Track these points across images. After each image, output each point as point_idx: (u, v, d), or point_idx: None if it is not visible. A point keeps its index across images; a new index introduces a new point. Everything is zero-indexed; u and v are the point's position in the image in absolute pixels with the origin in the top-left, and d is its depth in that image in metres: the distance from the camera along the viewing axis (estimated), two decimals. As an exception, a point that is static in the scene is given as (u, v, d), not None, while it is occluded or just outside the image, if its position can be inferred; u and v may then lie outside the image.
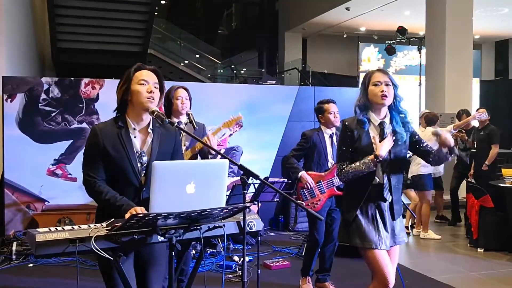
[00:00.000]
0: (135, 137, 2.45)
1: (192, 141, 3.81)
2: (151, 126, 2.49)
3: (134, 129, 2.45)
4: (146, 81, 2.43)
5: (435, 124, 6.64)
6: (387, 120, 2.82)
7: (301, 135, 4.36)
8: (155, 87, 2.44)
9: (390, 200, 2.81)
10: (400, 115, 2.85)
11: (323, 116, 4.24)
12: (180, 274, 3.66)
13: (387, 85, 2.77)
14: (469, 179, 6.97)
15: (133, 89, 2.43)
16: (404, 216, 7.22)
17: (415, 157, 6.00)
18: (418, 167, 6.39)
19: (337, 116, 4.19)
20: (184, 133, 3.66)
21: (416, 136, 2.92)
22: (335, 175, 4.16)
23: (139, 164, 2.42)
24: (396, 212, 2.84)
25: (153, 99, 2.41)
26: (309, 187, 4.10)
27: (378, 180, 2.79)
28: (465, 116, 7.15)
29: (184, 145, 3.75)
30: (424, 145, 2.92)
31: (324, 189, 4.11)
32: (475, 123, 7.21)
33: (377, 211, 2.80)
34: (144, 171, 2.43)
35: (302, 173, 4.13)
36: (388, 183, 2.79)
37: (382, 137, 2.77)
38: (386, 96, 2.75)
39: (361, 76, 15.56)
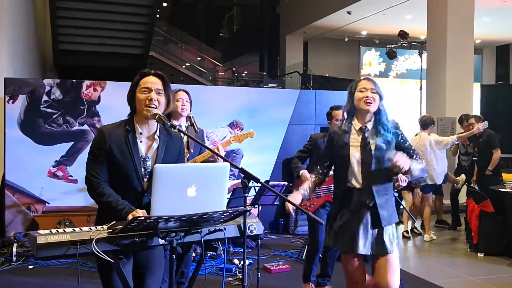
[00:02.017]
0: (141, 141, 2.45)
1: (197, 147, 3.81)
2: (157, 133, 2.49)
3: (141, 133, 2.46)
4: (148, 89, 2.43)
5: (428, 127, 6.65)
6: (369, 125, 2.87)
7: (308, 137, 4.45)
8: (159, 93, 2.44)
9: (371, 205, 2.80)
10: (381, 127, 2.86)
11: (331, 122, 4.30)
12: (180, 276, 3.66)
13: (372, 92, 2.82)
14: (472, 185, 6.95)
15: (136, 96, 2.44)
16: (401, 222, 7.22)
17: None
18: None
19: None
20: (188, 139, 3.68)
21: (402, 143, 2.90)
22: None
23: (142, 169, 2.42)
24: (382, 218, 2.80)
25: (154, 107, 2.40)
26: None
27: (357, 185, 2.83)
28: (465, 122, 7.16)
29: (190, 153, 3.73)
30: (407, 150, 2.87)
31: (321, 194, 4.12)
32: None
33: (358, 216, 2.81)
34: (147, 176, 2.43)
35: (304, 171, 4.14)
36: (368, 188, 2.80)
37: (364, 141, 2.82)
38: (370, 102, 2.80)
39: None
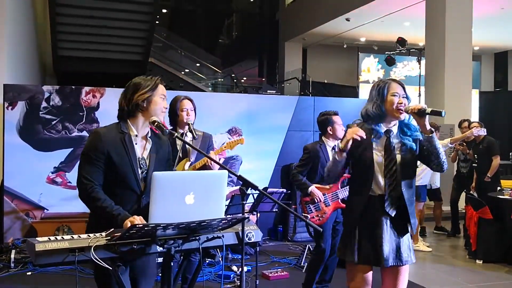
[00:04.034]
0: (136, 143, 2.48)
1: (197, 155, 3.82)
2: (149, 134, 2.54)
3: (136, 135, 2.49)
4: (165, 96, 2.54)
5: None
6: (394, 129, 2.71)
7: (303, 149, 4.31)
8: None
9: (393, 215, 2.64)
10: (406, 127, 2.72)
11: (332, 127, 4.21)
12: (184, 282, 3.64)
13: (403, 97, 2.66)
14: (471, 192, 6.95)
15: (154, 99, 2.49)
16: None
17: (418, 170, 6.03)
18: (417, 178, 6.40)
19: (343, 128, 4.16)
20: (188, 147, 3.69)
21: (422, 140, 2.73)
22: (339, 188, 4.17)
23: (140, 171, 2.45)
24: (413, 227, 2.69)
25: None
26: (320, 200, 4.08)
27: (378, 192, 2.65)
28: (466, 124, 7.15)
29: (190, 160, 3.74)
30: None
31: (329, 201, 4.10)
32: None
33: (380, 226, 2.63)
34: (144, 178, 2.46)
35: (312, 188, 4.08)
36: (391, 195, 2.63)
37: (388, 145, 2.66)
38: (402, 111, 2.64)
39: (361, 86, 15.70)
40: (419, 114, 2.58)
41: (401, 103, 2.64)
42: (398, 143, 2.69)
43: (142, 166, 2.46)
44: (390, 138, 2.68)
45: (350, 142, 2.58)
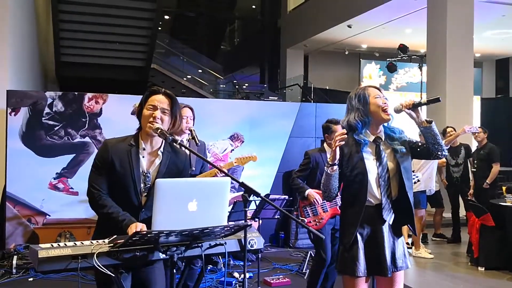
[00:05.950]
0: (143, 157, 2.48)
1: (198, 162, 3.83)
2: (161, 149, 2.51)
3: (144, 149, 2.48)
4: (153, 106, 2.45)
5: None
6: (381, 135, 2.67)
7: (304, 154, 4.35)
8: (164, 112, 2.45)
9: (391, 222, 2.60)
10: (391, 131, 2.69)
11: (329, 136, 4.23)
12: None
13: (385, 98, 2.65)
14: (469, 198, 6.95)
15: (143, 112, 2.48)
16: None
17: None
18: (415, 185, 6.39)
19: None
20: (190, 154, 3.70)
21: (410, 140, 2.71)
22: (339, 194, 4.16)
23: (142, 184, 2.45)
24: (397, 233, 2.64)
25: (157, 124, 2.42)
26: (318, 203, 4.09)
27: (373, 201, 2.59)
28: (452, 129, 7.13)
29: (191, 170, 3.75)
30: (419, 144, 2.69)
31: (327, 207, 4.11)
32: (463, 139, 7.23)
33: (380, 235, 2.57)
34: (146, 192, 2.45)
35: (309, 191, 4.11)
36: (389, 203, 2.58)
37: (378, 154, 2.60)
38: (388, 111, 2.60)
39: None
40: (415, 107, 2.57)
41: (385, 103, 2.61)
42: (387, 149, 2.65)
43: (146, 180, 2.46)
44: (379, 146, 2.63)
45: (338, 151, 2.53)
